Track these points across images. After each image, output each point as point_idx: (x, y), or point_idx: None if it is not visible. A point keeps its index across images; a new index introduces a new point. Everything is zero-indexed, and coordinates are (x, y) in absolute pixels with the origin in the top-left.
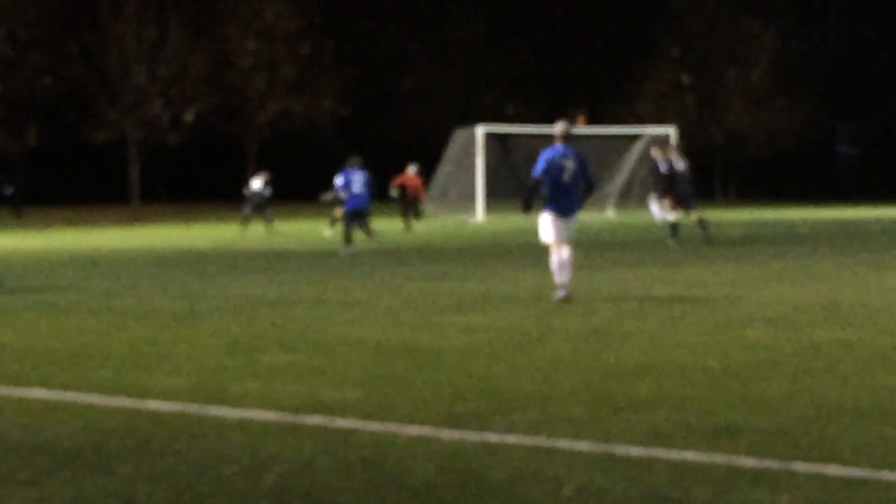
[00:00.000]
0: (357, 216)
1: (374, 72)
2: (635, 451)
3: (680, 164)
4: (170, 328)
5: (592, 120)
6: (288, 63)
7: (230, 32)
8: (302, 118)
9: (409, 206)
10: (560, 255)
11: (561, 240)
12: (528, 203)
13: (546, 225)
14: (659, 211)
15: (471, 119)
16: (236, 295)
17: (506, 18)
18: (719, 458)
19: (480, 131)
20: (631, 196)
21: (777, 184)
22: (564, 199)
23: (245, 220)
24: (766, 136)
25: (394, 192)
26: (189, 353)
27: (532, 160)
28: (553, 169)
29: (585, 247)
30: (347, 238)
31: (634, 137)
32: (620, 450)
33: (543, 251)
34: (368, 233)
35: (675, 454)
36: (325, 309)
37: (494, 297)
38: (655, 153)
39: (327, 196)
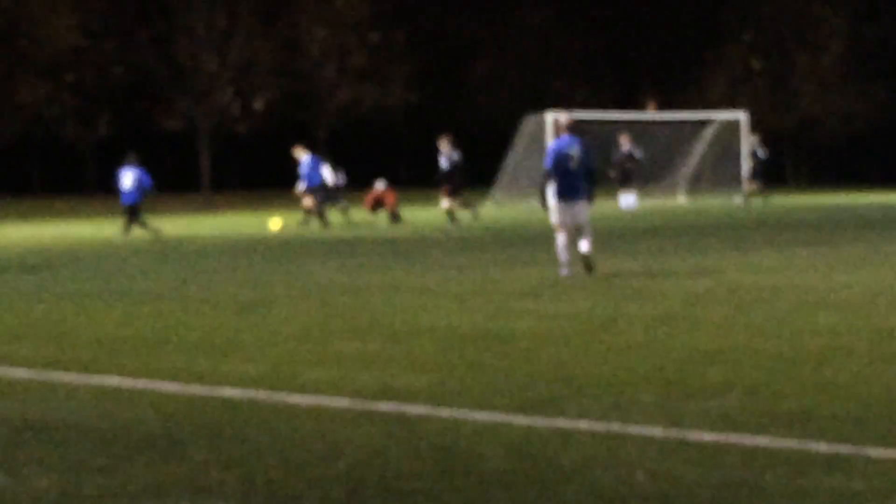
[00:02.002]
0: (129, 211)
1: (444, 59)
2: (707, 436)
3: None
4: (242, 315)
5: (663, 105)
6: (357, 51)
7: (300, 20)
8: (372, 106)
9: (393, 217)
10: (565, 238)
11: (565, 223)
12: (544, 195)
13: (555, 210)
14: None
15: (541, 105)
16: (308, 282)
17: (576, 4)
18: (792, 444)
19: (550, 118)
20: (702, 182)
21: (849, 168)
22: (570, 186)
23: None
24: (838, 121)
25: (371, 216)
26: (261, 341)
27: (602, 146)
28: (560, 159)
29: (656, 232)
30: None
31: (705, 123)
32: (693, 435)
33: (614, 237)
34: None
35: (747, 439)
36: (397, 295)
37: (565, 283)
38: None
39: (301, 188)
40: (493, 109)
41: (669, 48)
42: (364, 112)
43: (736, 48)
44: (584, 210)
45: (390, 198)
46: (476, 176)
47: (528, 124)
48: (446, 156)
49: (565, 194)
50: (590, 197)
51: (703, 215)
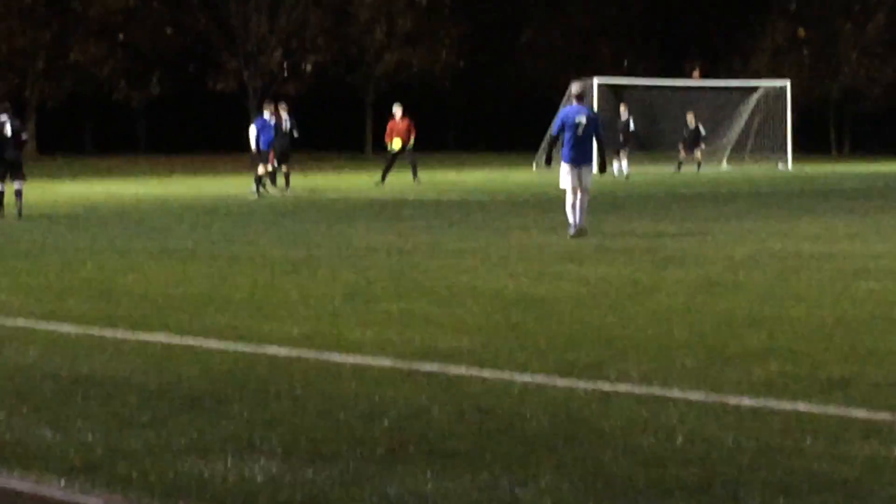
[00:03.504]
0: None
1: (492, 24)
2: (747, 401)
3: None
4: (287, 275)
5: (707, 73)
6: (406, 15)
7: None
8: (419, 70)
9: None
10: (573, 199)
11: (575, 186)
12: (549, 157)
13: (564, 174)
14: None
15: (587, 71)
16: (353, 243)
17: None
18: (831, 410)
19: (596, 82)
20: (746, 149)
21: (892, 137)
22: (578, 151)
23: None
24: (882, 90)
25: (396, 145)
26: (306, 300)
27: (646, 112)
28: (568, 125)
29: (701, 199)
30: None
31: (749, 91)
32: (732, 400)
33: (654, 201)
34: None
35: (787, 405)
36: (441, 257)
37: (608, 248)
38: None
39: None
40: (540, 75)
41: (715, 16)
42: (411, 76)
43: (781, 17)
44: (589, 175)
45: (403, 129)
46: (520, 140)
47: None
48: (285, 122)
49: (575, 160)
50: (602, 165)
51: (746, 183)
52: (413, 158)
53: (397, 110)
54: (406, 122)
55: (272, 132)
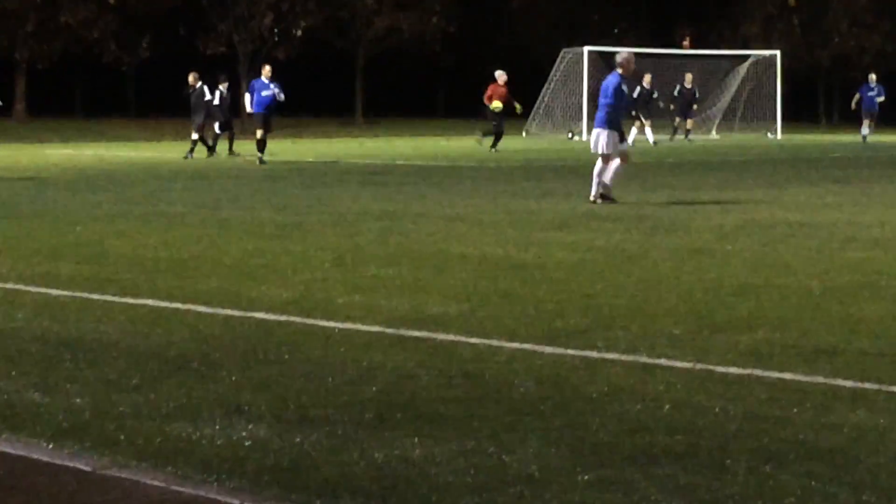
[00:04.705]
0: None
1: None
2: (734, 370)
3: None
4: (276, 240)
5: (698, 42)
6: None
7: None
8: (410, 34)
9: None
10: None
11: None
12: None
13: (612, 140)
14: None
15: (578, 38)
16: (342, 208)
17: None
18: (818, 379)
19: (586, 50)
20: (735, 118)
21: (882, 107)
22: (619, 118)
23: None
24: (871, 59)
25: (496, 106)
26: (295, 265)
27: (635, 80)
28: (621, 93)
29: (690, 167)
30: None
31: (740, 59)
32: (719, 368)
33: (645, 170)
34: None
35: (774, 374)
36: (430, 224)
37: (597, 216)
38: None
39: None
40: (531, 40)
41: None
42: (402, 41)
43: None
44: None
45: (504, 93)
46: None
47: (564, 57)
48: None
49: (619, 125)
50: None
51: (735, 151)
52: (502, 127)
53: (501, 76)
54: (506, 89)
55: (265, 95)
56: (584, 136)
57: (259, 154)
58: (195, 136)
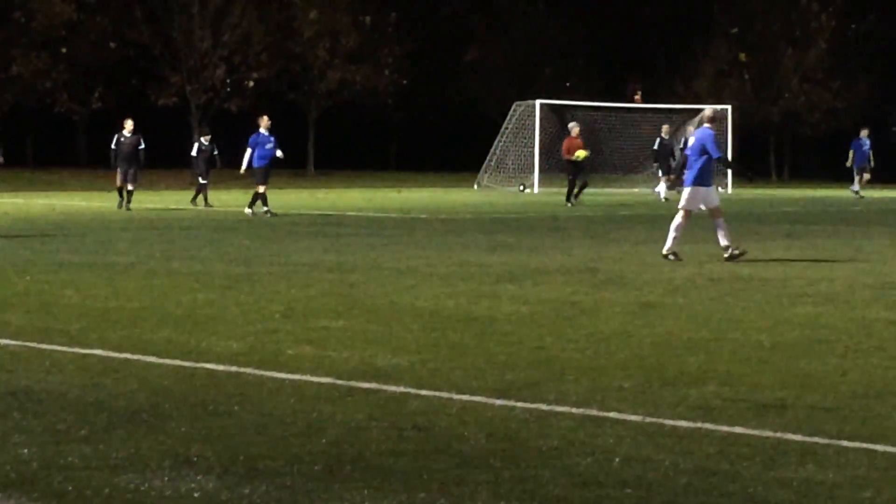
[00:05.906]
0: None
1: (436, 43)
2: (684, 424)
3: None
4: (227, 291)
5: (650, 96)
6: (350, 33)
7: (294, 1)
8: (362, 87)
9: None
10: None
11: (697, 207)
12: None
13: (693, 195)
14: None
15: (530, 92)
16: (293, 260)
17: None
18: (768, 433)
19: (538, 103)
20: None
21: (831, 163)
22: (709, 173)
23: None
24: (821, 116)
25: (580, 155)
26: (245, 317)
27: (589, 134)
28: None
29: (640, 221)
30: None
31: (691, 113)
32: (669, 422)
33: (597, 223)
34: None
35: (723, 428)
36: (381, 276)
37: (548, 269)
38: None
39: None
40: (483, 94)
41: (658, 39)
42: (354, 94)
43: (724, 41)
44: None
45: (581, 145)
46: (462, 160)
47: (517, 110)
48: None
49: (707, 180)
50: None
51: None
52: (583, 177)
53: (574, 128)
54: (581, 140)
55: (268, 149)
56: (535, 189)
57: (266, 207)
58: (119, 184)
